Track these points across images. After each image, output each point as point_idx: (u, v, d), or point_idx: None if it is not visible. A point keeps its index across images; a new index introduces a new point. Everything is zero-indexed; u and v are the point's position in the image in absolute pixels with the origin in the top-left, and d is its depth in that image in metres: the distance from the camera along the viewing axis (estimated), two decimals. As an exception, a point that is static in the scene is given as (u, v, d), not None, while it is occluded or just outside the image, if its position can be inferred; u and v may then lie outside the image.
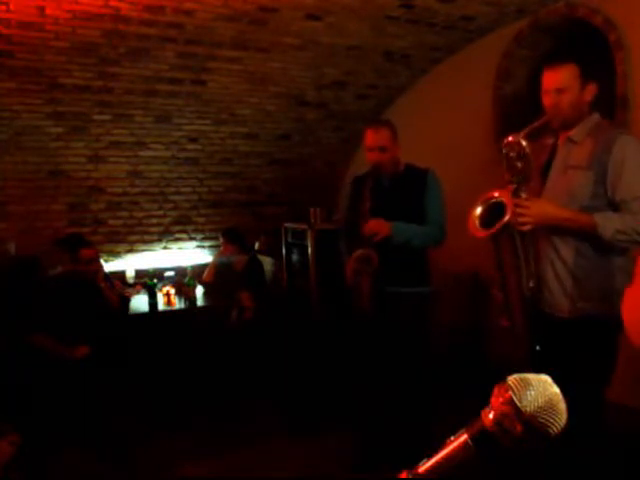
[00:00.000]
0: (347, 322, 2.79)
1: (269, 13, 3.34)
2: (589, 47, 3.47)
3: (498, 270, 1.98)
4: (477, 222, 1.95)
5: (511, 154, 1.93)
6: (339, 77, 4.46)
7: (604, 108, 3.27)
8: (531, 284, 2.00)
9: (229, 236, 4.69)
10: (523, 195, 1.93)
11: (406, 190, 2.67)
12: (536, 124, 1.96)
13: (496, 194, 1.93)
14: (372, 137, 2.63)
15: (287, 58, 4.03)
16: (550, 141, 2.10)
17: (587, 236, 1.88)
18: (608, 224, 1.81)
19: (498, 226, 1.87)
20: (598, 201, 1.91)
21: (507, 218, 1.85)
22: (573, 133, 1.99)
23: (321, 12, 3.39)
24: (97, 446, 3.05)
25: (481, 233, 1.93)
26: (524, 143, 1.91)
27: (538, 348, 1.95)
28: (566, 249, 1.96)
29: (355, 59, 4.18)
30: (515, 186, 1.94)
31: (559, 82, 1.94)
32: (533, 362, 1.95)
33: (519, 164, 1.93)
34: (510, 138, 1.93)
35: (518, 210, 1.86)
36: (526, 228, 1.90)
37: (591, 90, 1.96)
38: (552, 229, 1.95)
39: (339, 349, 3.77)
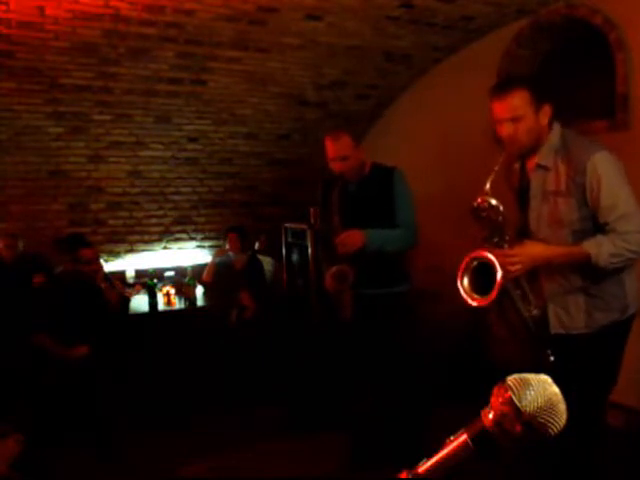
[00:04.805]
0: (333, 325, 2.82)
1: (269, 13, 3.34)
2: (589, 47, 3.47)
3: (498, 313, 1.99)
4: (470, 292, 1.87)
5: (483, 214, 1.85)
6: (339, 77, 4.45)
7: (604, 108, 3.29)
8: (534, 312, 1.95)
9: (239, 233, 4.69)
10: (506, 246, 1.86)
11: (373, 192, 2.67)
12: (496, 169, 1.85)
13: (476, 255, 1.85)
14: (332, 147, 2.62)
15: (287, 58, 4.02)
16: (517, 165, 2.05)
17: (582, 266, 1.83)
18: (601, 251, 1.76)
19: (496, 290, 1.78)
20: (587, 223, 1.86)
21: (500, 277, 1.76)
22: (540, 159, 1.91)
23: (321, 12, 3.38)
24: (97, 446, 3.05)
25: (481, 302, 1.84)
26: (493, 202, 1.82)
27: (552, 359, 1.92)
28: (571, 272, 1.90)
29: (355, 59, 4.17)
30: (496, 240, 1.87)
31: (512, 111, 1.84)
32: (546, 370, 1.95)
33: (493, 218, 1.85)
34: (478, 200, 1.83)
35: (507, 260, 1.79)
36: (518, 273, 1.82)
37: (546, 112, 1.87)
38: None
39: (334, 350, 3.76)
